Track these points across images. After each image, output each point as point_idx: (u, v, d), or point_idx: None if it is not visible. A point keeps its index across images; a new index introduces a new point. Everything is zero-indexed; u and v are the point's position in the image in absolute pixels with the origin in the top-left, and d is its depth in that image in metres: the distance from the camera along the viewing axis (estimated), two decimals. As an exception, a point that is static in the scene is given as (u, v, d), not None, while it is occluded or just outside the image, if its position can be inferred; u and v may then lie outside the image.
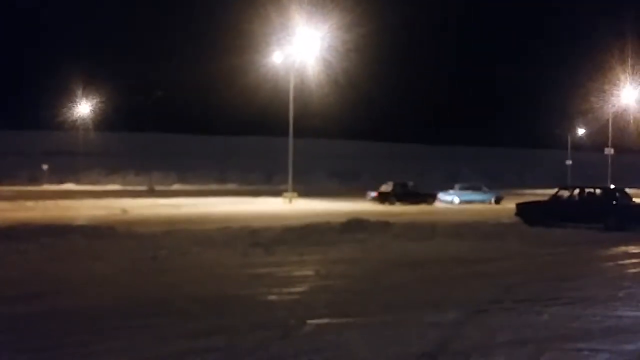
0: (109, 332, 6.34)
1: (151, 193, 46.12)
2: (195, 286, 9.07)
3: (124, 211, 26.11)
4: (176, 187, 61.71)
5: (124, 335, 6.22)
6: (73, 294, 8.43)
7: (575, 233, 17.39)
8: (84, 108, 68.64)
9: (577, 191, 21.02)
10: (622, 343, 6.06)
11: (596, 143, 60.10)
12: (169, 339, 6.08)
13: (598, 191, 20.79)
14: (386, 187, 35.18)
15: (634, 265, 12.08)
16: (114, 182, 66.09)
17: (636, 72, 48.38)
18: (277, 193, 38.08)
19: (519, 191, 53.94)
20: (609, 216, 18.66)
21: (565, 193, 20.98)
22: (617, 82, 48.91)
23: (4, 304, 7.65)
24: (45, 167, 61.40)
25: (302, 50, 34.01)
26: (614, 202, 19.54)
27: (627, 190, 22.26)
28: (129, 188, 56.26)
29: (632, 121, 52.11)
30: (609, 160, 49.54)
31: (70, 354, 5.58)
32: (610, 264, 12.29)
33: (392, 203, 32.85)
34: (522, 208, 20.93)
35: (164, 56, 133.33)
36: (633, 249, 14.43)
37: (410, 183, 36.97)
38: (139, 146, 73.27)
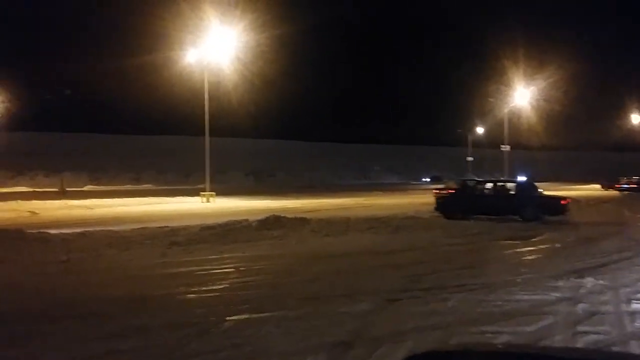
0: (18, 337, 6.11)
1: (62, 194, 44.21)
2: (110, 288, 8.86)
3: (33, 213, 24.99)
4: (88, 187, 59.44)
5: (34, 340, 6.01)
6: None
7: (482, 224, 18.23)
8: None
9: (491, 185, 21.91)
10: (522, 325, 6.51)
11: (494, 140, 64.07)
12: (82, 341, 5.92)
13: (512, 184, 21.78)
14: None
15: (530, 252, 13.06)
16: (21, 184, 62.87)
17: (527, 75, 52.36)
18: (194, 192, 37.56)
19: (424, 186, 56.93)
20: (524, 208, 19.59)
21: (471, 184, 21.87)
22: (512, 84, 52.76)
23: None
24: (-58, 169, 57.62)
25: (216, 50, 33.75)
26: (528, 195, 20.45)
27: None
28: (38, 190, 53.68)
29: (525, 120, 55.95)
30: (505, 156, 52.67)
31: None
32: (510, 252, 13.12)
33: None
34: (440, 202, 21.67)
35: (74, 54, 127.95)
36: (532, 239, 15.32)
37: None
38: (47, 146, 70.18)
